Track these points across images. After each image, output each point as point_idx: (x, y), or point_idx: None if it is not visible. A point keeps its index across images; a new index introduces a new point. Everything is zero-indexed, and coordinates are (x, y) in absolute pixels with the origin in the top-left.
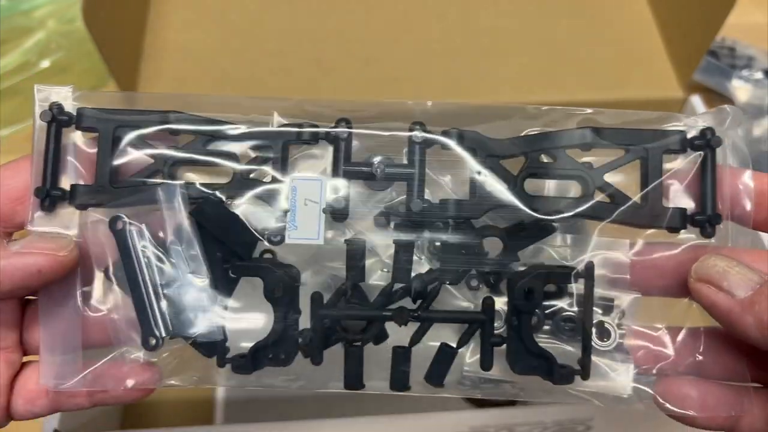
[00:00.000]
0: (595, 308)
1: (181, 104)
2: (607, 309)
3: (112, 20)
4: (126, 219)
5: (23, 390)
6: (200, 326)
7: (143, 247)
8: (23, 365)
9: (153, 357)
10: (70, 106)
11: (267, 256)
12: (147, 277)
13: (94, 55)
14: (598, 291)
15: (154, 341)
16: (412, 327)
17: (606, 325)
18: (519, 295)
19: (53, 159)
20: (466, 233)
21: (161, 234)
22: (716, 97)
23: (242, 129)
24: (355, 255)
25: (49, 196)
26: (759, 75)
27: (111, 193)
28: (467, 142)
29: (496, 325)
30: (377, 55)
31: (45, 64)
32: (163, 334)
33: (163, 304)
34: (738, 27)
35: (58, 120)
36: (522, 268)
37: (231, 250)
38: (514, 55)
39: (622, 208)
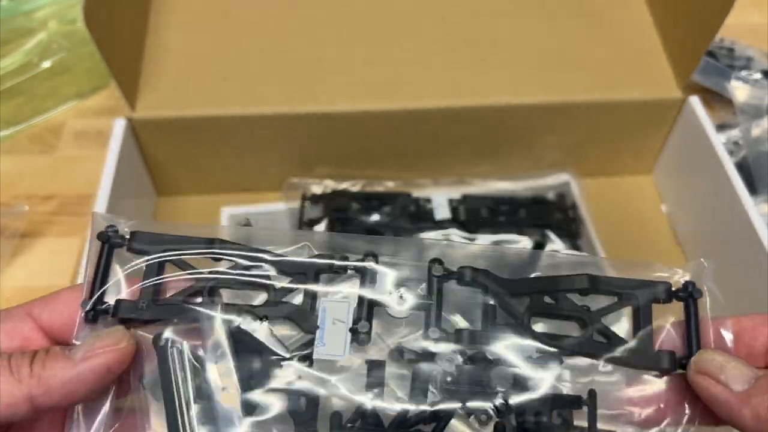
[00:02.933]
0: None
1: (228, 234)
2: None
3: (113, 21)
4: (168, 336)
5: None
6: None
7: (181, 364)
8: None
9: None
10: (124, 230)
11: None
12: (181, 393)
13: (95, 55)
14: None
15: None
16: None
17: None
18: (529, 419)
19: (102, 276)
20: (477, 365)
21: (200, 352)
22: (715, 98)
23: (280, 258)
24: (376, 374)
25: (94, 310)
26: (758, 75)
27: (153, 310)
28: (481, 280)
29: None
30: (378, 55)
31: (46, 64)
32: None
33: (194, 416)
34: (737, 28)
35: (111, 242)
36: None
37: (262, 369)
38: (514, 55)
39: (619, 349)
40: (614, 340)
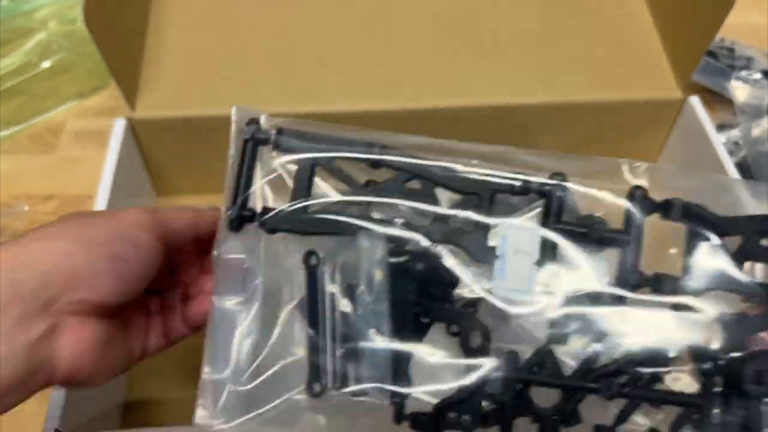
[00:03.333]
0: None
1: (381, 140)
2: None
3: (113, 21)
4: (320, 255)
5: None
6: (371, 388)
7: (332, 290)
8: None
9: (317, 403)
10: (266, 127)
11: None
12: (327, 323)
13: (95, 55)
14: None
15: (318, 388)
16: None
17: None
18: (749, 378)
19: (246, 178)
20: (682, 312)
21: (353, 280)
22: (715, 98)
23: (449, 171)
24: (563, 315)
25: (239, 215)
26: (758, 75)
27: (304, 221)
28: (692, 215)
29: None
30: (378, 55)
31: (46, 64)
32: (329, 384)
33: (338, 353)
34: (737, 28)
35: (255, 138)
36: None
37: (427, 295)
38: (515, 55)
39: None
40: None
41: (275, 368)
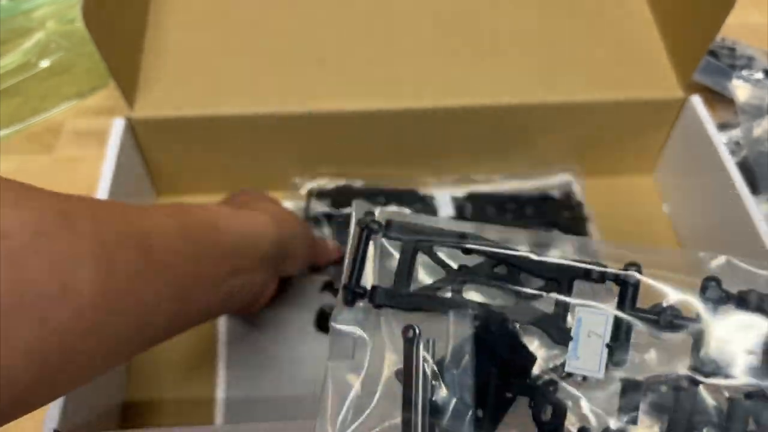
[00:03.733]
0: None
1: (470, 230)
2: None
3: (112, 20)
4: (418, 330)
5: None
6: None
7: (425, 360)
8: None
9: None
10: (380, 218)
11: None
12: (420, 392)
13: (94, 55)
14: None
15: None
16: None
17: None
18: None
19: (360, 260)
20: (757, 399)
21: (440, 352)
22: (716, 98)
23: (534, 258)
24: (631, 396)
25: (353, 292)
26: (759, 75)
27: (405, 298)
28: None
29: None
30: (378, 55)
31: (45, 64)
32: None
33: (427, 421)
34: (738, 27)
35: (370, 227)
36: None
37: (507, 371)
38: (515, 55)
39: None
40: None
41: (376, 430)
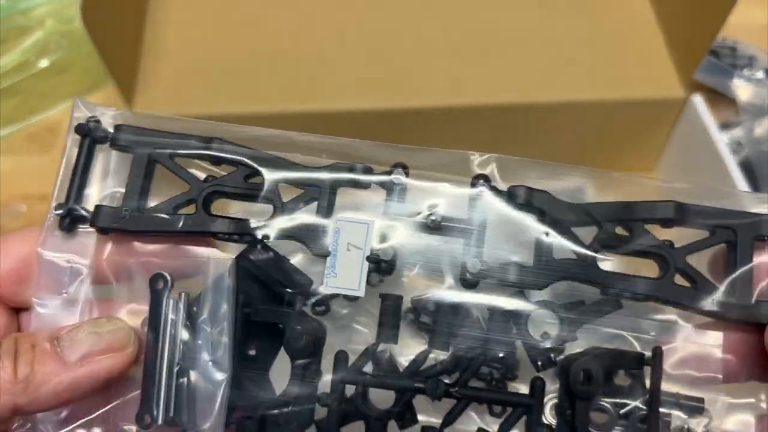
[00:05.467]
0: (679, 410)
1: (224, 133)
2: (695, 411)
3: (110, 20)
4: (169, 281)
5: None
6: (203, 425)
7: (173, 318)
8: None
9: None
10: (108, 124)
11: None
12: (166, 353)
13: (92, 54)
14: (684, 390)
15: (148, 420)
16: (445, 407)
17: (691, 431)
18: (575, 378)
19: (81, 175)
20: (518, 301)
21: (194, 307)
22: (718, 97)
23: (290, 164)
24: (390, 312)
25: (70, 215)
26: (760, 74)
27: (138, 220)
28: (536, 202)
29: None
30: (378, 54)
31: (44, 63)
32: (160, 418)
33: (173, 384)
34: (739, 27)
35: (93, 135)
36: (579, 350)
37: (277, 297)
38: (514, 54)
39: (709, 296)
40: (702, 284)
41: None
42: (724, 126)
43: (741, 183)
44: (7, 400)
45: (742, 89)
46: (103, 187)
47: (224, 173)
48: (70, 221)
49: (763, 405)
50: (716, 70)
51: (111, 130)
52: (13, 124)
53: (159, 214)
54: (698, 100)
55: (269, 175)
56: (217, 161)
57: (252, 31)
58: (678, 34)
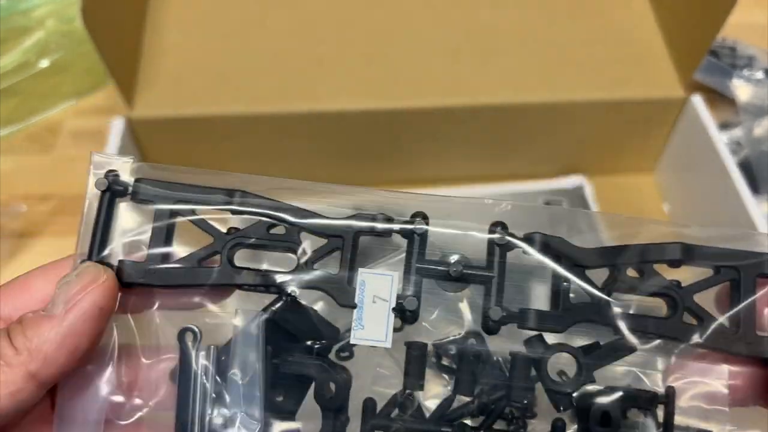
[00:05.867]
0: None
1: (246, 184)
2: None
3: (111, 20)
4: (198, 333)
5: None
6: None
7: (204, 371)
8: None
9: None
10: (127, 177)
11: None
12: (197, 406)
13: (93, 54)
14: (693, 423)
15: None
16: None
17: None
18: (594, 419)
19: (102, 230)
20: (536, 348)
21: (224, 358)
22: (717, 97)
23: (312, 214)
24: (415, 360)
25: None
26: (760, 75)
27: (163, 273)
28: (553, 249)
29: None
30: (378, 54)
31: (44, 63)
32: None
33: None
34: (739, 27)
35: (113, 189)
36: (595, 387)
37: (305, 347)
38: (514, 55)
39: (715, 332)
40: (708, 321)
41: None
42: (724, 126)
43: (741, 183)
44: (19, 370)
45: (742, 89)
46: (122, 238)
47: (245, 224)
48: None
49: None
50: (716, 70)
51: (126, 179)
52: (13, 124)
53: (184, 267)
54: (698, 100)
55: (292, 226)
56: (238, 214)
57: (252, 32)
58: (678, 35)
